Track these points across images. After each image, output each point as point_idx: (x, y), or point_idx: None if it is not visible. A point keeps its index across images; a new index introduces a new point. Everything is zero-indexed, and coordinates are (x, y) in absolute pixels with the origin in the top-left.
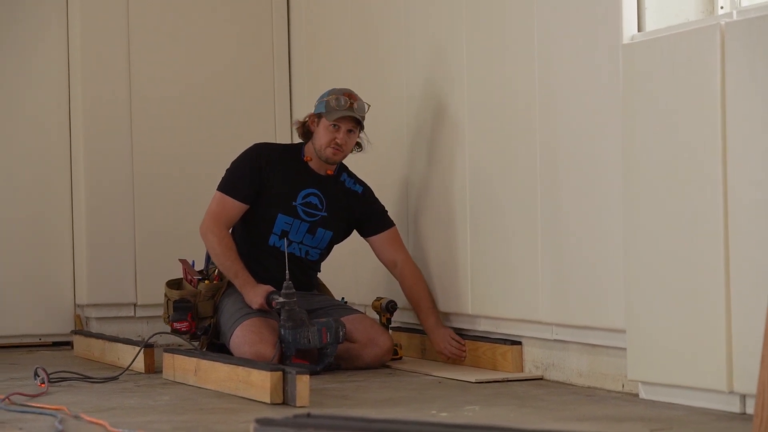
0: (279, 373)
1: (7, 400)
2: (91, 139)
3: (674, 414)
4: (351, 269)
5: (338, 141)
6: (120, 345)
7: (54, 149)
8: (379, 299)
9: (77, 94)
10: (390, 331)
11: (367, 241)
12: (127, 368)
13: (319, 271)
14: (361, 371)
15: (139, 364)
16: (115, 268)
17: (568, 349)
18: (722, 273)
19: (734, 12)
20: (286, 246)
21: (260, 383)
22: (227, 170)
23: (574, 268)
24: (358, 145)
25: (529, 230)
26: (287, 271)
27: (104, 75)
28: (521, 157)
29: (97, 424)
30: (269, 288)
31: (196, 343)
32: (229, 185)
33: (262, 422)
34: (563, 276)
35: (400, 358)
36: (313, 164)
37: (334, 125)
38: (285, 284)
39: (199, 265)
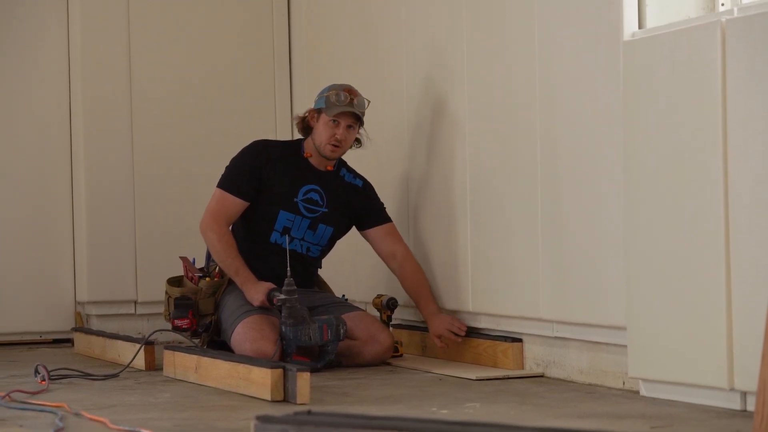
0: (280, 371)
1: (7, 397)
2: (91, 137)
3: (675, 411)
4: (351, 266)
5: (338, 136)
6: (120, 342)
7: (54, 147)
8: (379, 296)
9: (77, 93)
10: (391, 328)
11: (365, 234)
12: (128, 365)
13: (320, 268)
14: (361, 368)
15: (140, 362)
16: (115, 266)
17: (568, 346)
18: (723, 270)
19: (735, 9)
20: (287, 243)
21: (261, 380)
22: (227, 167)
23: (575, 265)
24: (358, 141)
25: (529, 227)
26: (288, 268)
27: (104, 74)
28: (522, 153)
29: (97, 421)
30: (270, 285)
31: (196, 341)
32: (228, 182)
33: (262, 419)
34: (564, 273)
35: (401, 355)
36: (313, 160)
37: (334, 121)
38: (286, 281)
39: (200, 263)
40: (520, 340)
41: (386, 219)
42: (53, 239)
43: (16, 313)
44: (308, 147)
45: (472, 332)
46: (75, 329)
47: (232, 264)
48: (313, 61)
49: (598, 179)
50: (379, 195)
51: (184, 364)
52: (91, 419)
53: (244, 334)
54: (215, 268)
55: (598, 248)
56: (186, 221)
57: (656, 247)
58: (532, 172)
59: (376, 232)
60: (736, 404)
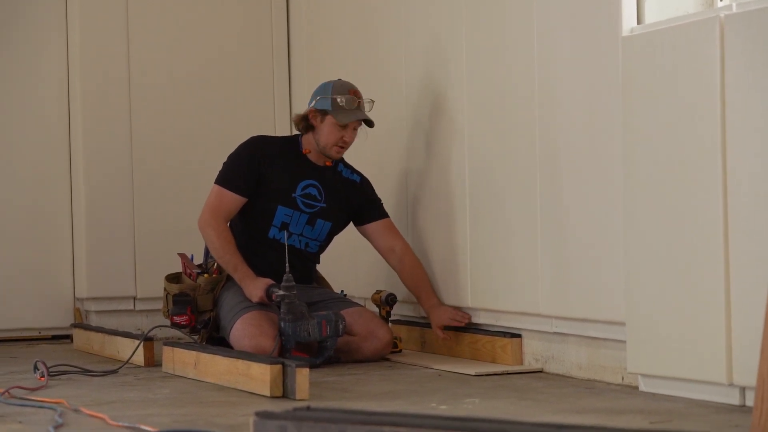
0: (279, 366)
1: (6, 393)
2: (90, 132)
3: (674, 406)
4: (350, 262)
5: (346, 139)
6: (119, 338)
7: (53, 143)
8: (378, 292)
9: (76, 89)
10: (390, 324)
11: (363, 230)
12: (127, 361)
13: (318, 263)
14: (360, 364)
15: (139, 358)
16: (114, 262)
17: (567, 341)
18: (722, 265)
19: (733, 5)
20: (286, 238)
21: (260, 376)
22: (225, 163)
23: (574, 261)
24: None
25: (528, 222)
26: (287, 264)
27: (103, 71)
28: (521, 149)
29: (96, 417)
30: (269, 281)
31: (195, 337)
32: (227, 178)
33: (261, 415)
34: (563, 268)
35: (400, 351)
36: (312, 156)
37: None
38: (285, 277)
39: (198, 259)
40: (519, 336)
41: (384, 214)
42: (52, 235)
43: (15, 310)
44: (307, 144)
45: (471, 328)
46: (74, 325)
47: (230, 260)
48: (312, 57)
49: (597, 174)
50: (378, 191)
51: (183, 360)
52: (90, 415)
53: (243, 330)
54: (213, 264)
55: (597, 244)
56: (185, 218)
57: (655, 242)
58: (531, 168)
59: (374, 227)
60: (734, 399)
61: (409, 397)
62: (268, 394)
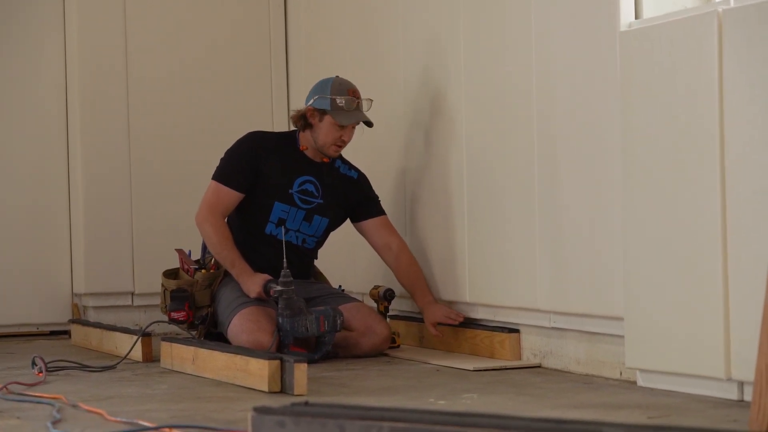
0: (277, 362)
1: (4, 389)
2: (88, 128)
3: (672, 401)
4: (349, 257)
5: (345, 139)
6: (117, 334)
7: (51, 139)
8: (376, 287)
9: (74, 86)
10: (388, 319)
11: (359, 227)
12: (125, 357)
13: (316, 259)
14: (358, 359)
15: (137, 353)
16: (112, 257)
17: (565, 336)
18: (720, 260)
19: None
20: (283, 234)
21: (258, 372)
22: (222, 159)
23: (573, 256)
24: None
25: (527, 218)
26: (284, 260)
27: (101, 68)
28: (519, 145)
29: (94, 413)
30: (267, 276)
31: (193, 333)
32: (224, 174)
33: (260, 411)
34: (561, 264)
35: (398, 346)
36: (309, 152)
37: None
38: (282, 272)
39: (196, 255)
40: (517, 331)
41: (381, 211)
42: (50, 231)
43: (13, 305)
44: (304, 140)
45: (470, 323)
46: (72, 321)
47: (228, 256)
48: (310, 53)
49: (595, 169)
50: (377, 188)
51: (181, 356)
52: (88, 411)
53: (241, 325)
54: (211, 260)
55: (595, 239)
56: (183, 213)
57: (654, 237)
58: (529, 163)
59: (370, 224)
60: (733, 394)
61: (408, 392)
62: (266, 389)
